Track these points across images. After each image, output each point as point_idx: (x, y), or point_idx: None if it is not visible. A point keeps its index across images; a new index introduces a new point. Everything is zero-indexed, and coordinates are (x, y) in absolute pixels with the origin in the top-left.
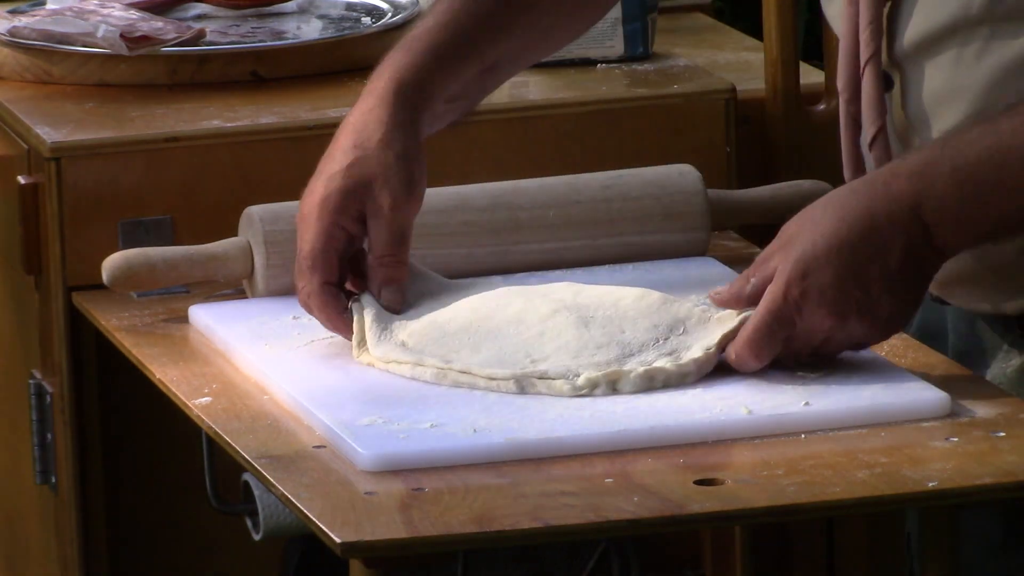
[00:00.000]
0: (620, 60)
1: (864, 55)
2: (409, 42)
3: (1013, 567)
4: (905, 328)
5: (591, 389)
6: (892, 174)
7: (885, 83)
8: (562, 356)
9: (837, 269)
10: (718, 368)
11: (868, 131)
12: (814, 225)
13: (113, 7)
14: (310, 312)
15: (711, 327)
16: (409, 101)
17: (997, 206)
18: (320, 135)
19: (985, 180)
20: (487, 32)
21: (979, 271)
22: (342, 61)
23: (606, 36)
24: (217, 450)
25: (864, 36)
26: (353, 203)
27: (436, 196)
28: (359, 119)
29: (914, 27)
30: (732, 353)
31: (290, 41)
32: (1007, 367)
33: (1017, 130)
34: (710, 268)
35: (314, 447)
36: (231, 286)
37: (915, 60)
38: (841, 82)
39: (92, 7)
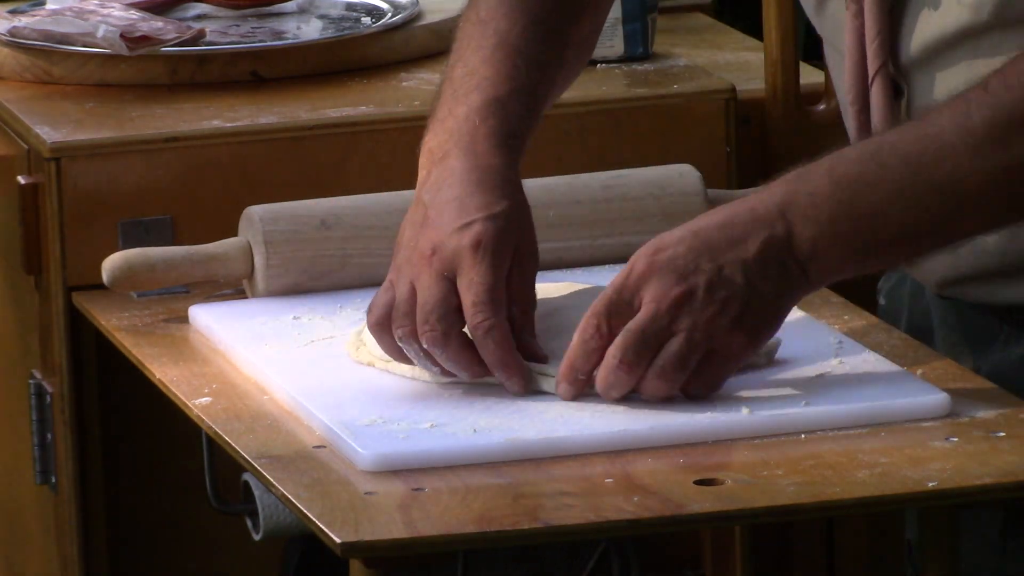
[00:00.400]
0: (620, 60)
1: (873, 66)
2: (498, 105)
3: (1013, 567)
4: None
5: (592, 389)
6: (777, 178)
7: (895, 92)
8: (562, 355)
9: (691, 244)
10: None
11: None
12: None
13: (113, 7)
14: (484, 346)
15: None
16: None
17: (872, 206)
18: (320, 135)
19: (861, 177)
20: (551, 95)
21: (1004, 268)
22: (342, 61)
23: (606, 36)
24: (217, 450)
25: (872, 48)
26: (511, 250)
27: None
28: (482, 166)
29: (921, 35)
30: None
31: (290, 41)
32: (1008, 354)
33: (902, 131)
34: None
35: (314, 447)
36: (231, 286)
37: (924, 68)
38: (851, 95)
39: (92, 7)
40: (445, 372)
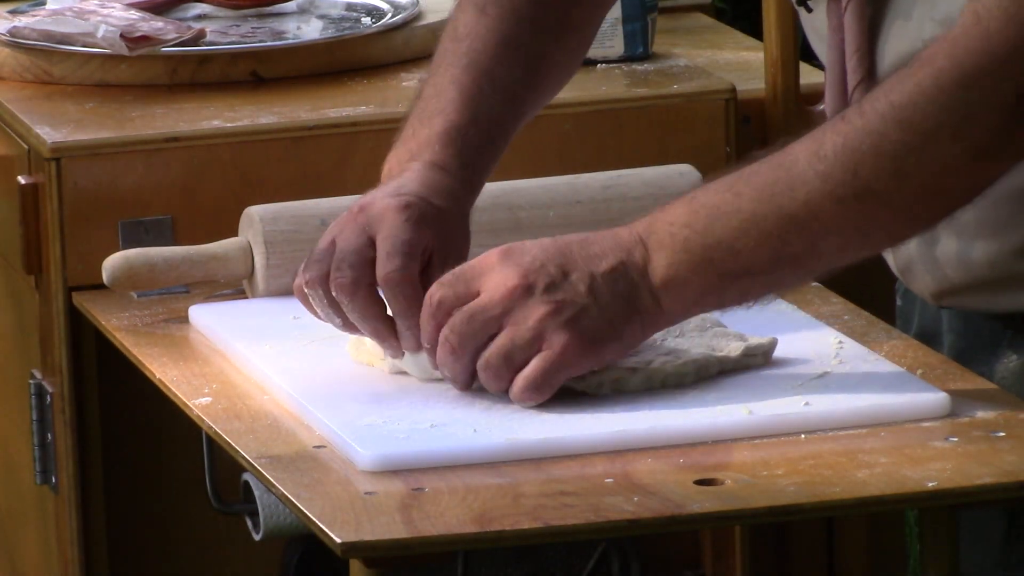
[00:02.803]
0: (620, 60)
1: (852, 80)
2: (450, 135)
3: (1015, 568)
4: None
5: (593, 388)
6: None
7: None
8: None
9: (546, 247)
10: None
11: None
12: None
13: (113, 7)
14: (393, 295)
15: (710, 333)
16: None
17: (726, 234)
18: (320, 135)
19: (716, 207)
20: (518, 119)
21: (997, 279)
22: (342, 61)
23: (606, 36)
24: (217, 450)
25: (851, 63)
26: (442, 232)
27: None
28: (423, 178)
29: (896, 49)
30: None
31: (290, 41)
32: (1010, 363)
33: (762, 160)
34: None
35: (314, 447)
36: (231, 286)
37: None
38: (831, 108)
39: (92, 7)
40: (347, 325)
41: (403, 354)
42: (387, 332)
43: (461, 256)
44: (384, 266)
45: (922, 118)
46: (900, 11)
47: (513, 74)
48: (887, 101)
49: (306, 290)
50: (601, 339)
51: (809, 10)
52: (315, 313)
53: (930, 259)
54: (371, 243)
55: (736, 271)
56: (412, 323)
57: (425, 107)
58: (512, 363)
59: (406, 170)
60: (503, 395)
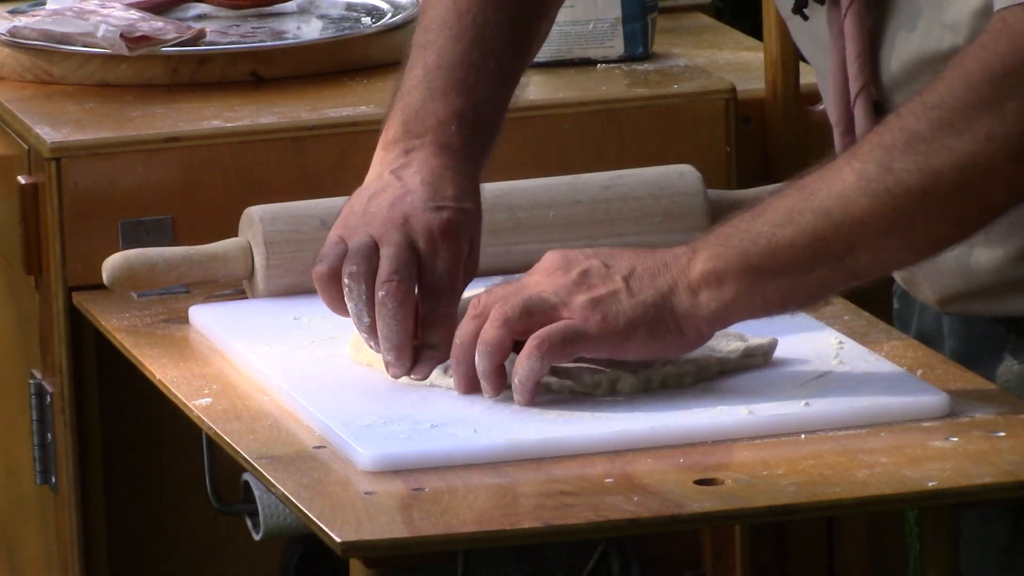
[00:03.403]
0: (620, 60)
1: (854, 87)
2: (461, 83)
3: (1019, 570)
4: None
5: (592, 389)
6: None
7: (877, 112)
8: None
9: (597, 250)
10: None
11: None
12: None
13: (113, 7)
14: (381, 309)
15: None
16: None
17: (764, 227)
18: (320, 135)
19: (762, 207)
20: (520, 67)
21: (1001, 285)
22: (342, 61)
23: (606, 36)
24: (217, 450)
25: (852, 69)
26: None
27: None
28: (451, 176)
29: (902, 55)
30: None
31: (290, 41)
32: (1013, 366)
33: (815, 169)
34: None
35: (314, 447)
36: (231, 286)
37: (906, 88)
38: (834, 116)
39: (92, 7)
40: (372, 328)
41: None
42: (406, 343)
43: (477, 249)
44: (442, 295)
45: (953, 116)
46: (903, 17)
47: (511, 55)
48: (920, 101)
49: (347, 281)
50: (626, 322)
51: (805, 18)
52: (334, 306)
53: (931, 267)
54: (417, 254)
55: (775, 268)
56: (399, 354)
57: (435, 78)
58: (530, 316)
59: (419, 149)
60: (503, 395)
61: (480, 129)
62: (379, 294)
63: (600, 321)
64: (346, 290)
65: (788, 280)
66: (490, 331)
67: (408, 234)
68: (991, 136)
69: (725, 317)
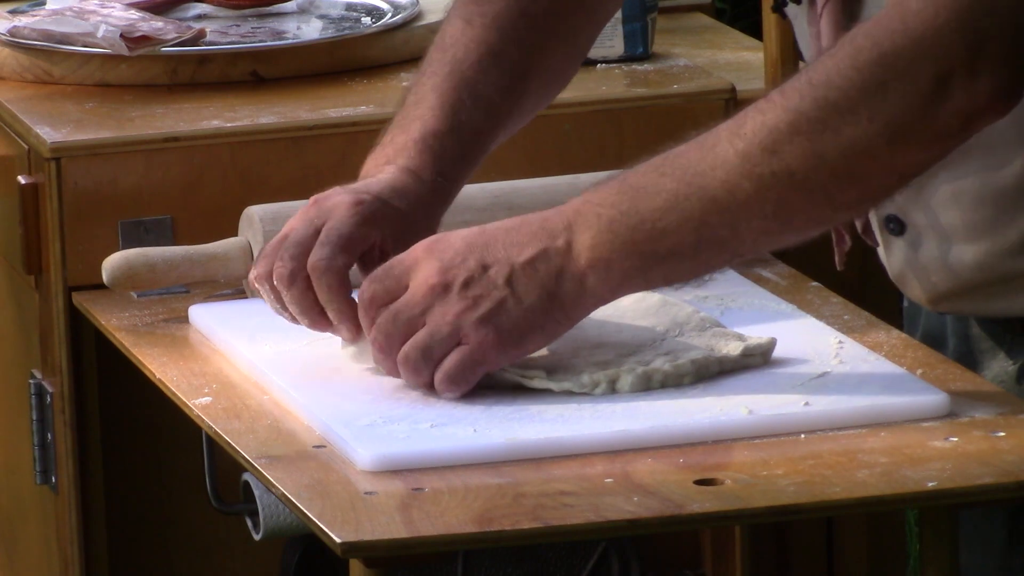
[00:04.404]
0: (620, 60)
1: None
2: (425, 143)
3: (1017, 572)
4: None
5: (591, 388)
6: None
7: None
8: (562, 355)
9: (471, 239)
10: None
11: None
12: None
13: (113, 7)
14: (320, 286)
15: (709, 333)
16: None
17: (650, 214)
18: (320, 135)
19: (642, 187)
20: (497, 130)
21: (988, 282)
22: (342, 61)
23: (606, 36)
24: (217, 450)
25: None
26: (396, 227)
27: None
28: (390, 181)
29: None
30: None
31: (290, 41)
32: (1008, 367)
33: (690, 142)
34: None
35: (314, 447)
36: (231, 286)
37: None
38: None
39: (92, 7)
40: (292, 318)
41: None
42: (324, 323)
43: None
44: (313, 254)
45: (838, 96)
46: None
47: (495, 85)
48: (806, 79)
49: (255, 285)
50: (519, 331)
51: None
52: (276, 311)
53: (917, 266)
54: (317, 235)
55: (661, 252)
56: (339, 313)
57: (406, 114)
58: (430, 358)
59: (379, 173)
60: (503, 395)
61: (442, 155)
62: (274, 281)
63: (495, 340)
64: (259, 289)
65: (673, 263)
66: (388, 363)
67: (312, 215)
68: (874, 116)
69: (611, 297)
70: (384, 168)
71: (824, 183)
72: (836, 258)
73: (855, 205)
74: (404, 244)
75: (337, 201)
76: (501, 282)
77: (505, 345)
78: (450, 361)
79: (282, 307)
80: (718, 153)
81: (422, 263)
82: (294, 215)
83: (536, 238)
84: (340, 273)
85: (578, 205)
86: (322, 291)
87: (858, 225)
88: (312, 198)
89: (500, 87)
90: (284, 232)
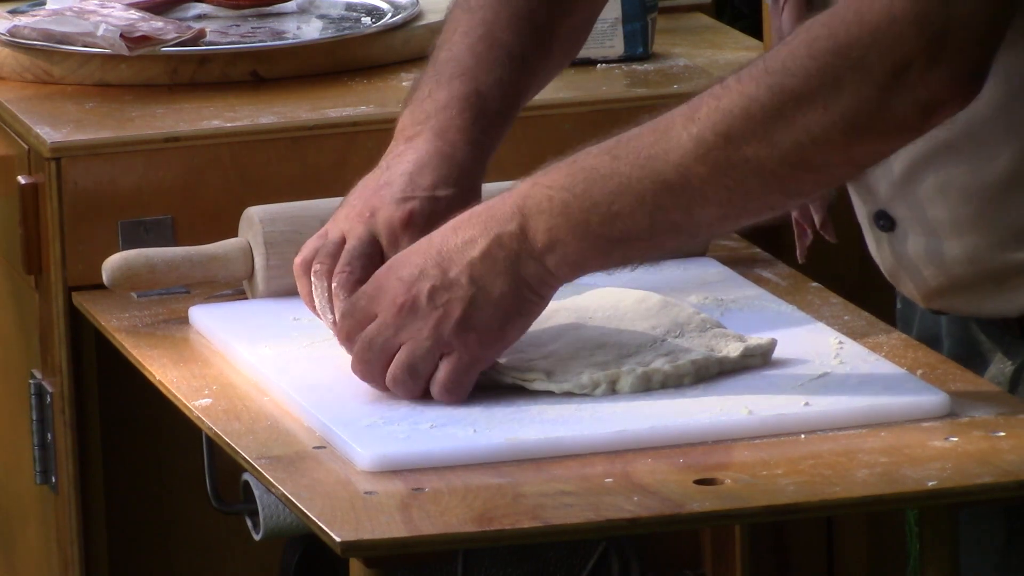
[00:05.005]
0: (620, 60)
1: None
2: (478, 98)
3: (1015, 571)
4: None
5: (591, 389)
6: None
7: None
8: (562, 356)
9: (423, 250)
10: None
11: None
12: None
13: (113, 7)
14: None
15: (709, 334)
16: (483, 156)
17: (604, 198)
18: (320, 135)
19: (595, 170)
20: (531, 89)
21: (978, 278)
22: (342, 61)
23: (606, 36)
24: (217, 450)
25: None
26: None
27: None
28: (452, 152)
29: None
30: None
31: (290, 41)
32: (1005, 368)
33: (644, 125)
34: (710, 268)
35: (314, 447)
36: (231, 287)
37: None
38: None
39: (92, 7)
40: (334, 325)
41: None
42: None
43: None
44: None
45: (793, 84)
46: None
47: (526, 46)
48: (762, 66)
49: (313, 279)
50: (497, 323)
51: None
52: (306, 298)
53: (908, 262)
54: (379, 247)
55: (616, 236)
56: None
57: (441, 72)
58: (417, 375)
59: (418, 136)
60: (503, 395)
61: (484, 112)
62: (332, 285)
63: (477, 339)
64: (312, 287)
65: (628, 245)
66: (377, 387)
67: (371, 228)
68: (829, 105)
69: (574, 276)
70: (423, 131)
71: (777, 170)
72: (798, 252)
73: (810, 191)
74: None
75: (391, 218)
76: (465, 282)
77: (488, 340)
78: (442, 373)
79: (330, 308)
80: (672, 137)
81: (384, 287)
82: (341, 214)
83: (486, 228)
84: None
85: (526, 189)
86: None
87: (816, 220)
88: (367, 206)
89: (530, 47)
90: (338, 236)
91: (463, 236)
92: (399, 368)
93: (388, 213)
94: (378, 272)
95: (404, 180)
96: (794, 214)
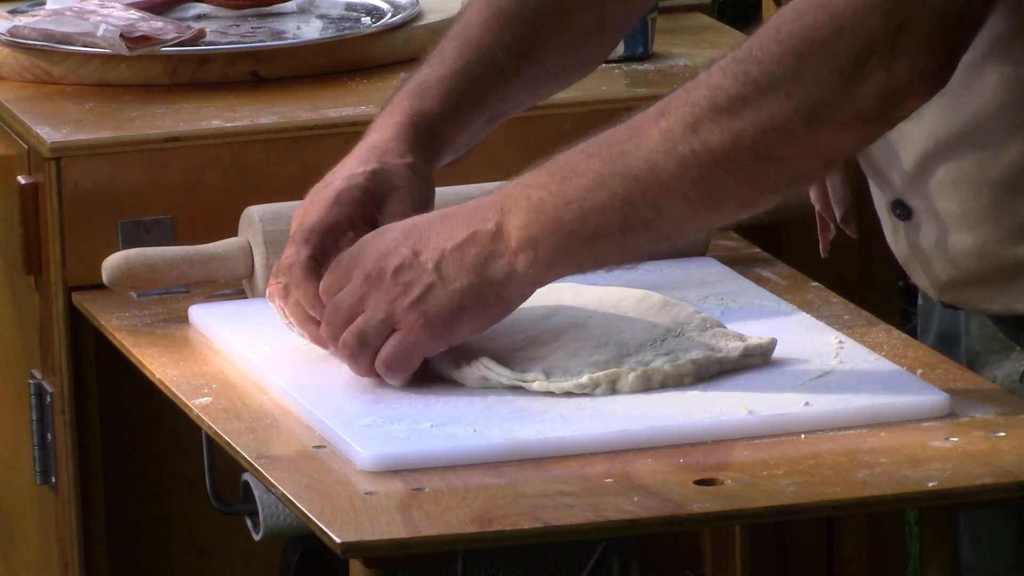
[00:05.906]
0: (620, 60)
1: None
2: (422, 88)
3: None
4: (914, 333)
5: (591, 389)
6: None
7: None
8: (561, 356)
9: (407, 228)
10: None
11: None
12: None
13: (113, 7)
14: (292, 283)
15: (710, 333)
16: (424, 149)
17: (576, 193)
18: (320, 135)
19: (571, 167)
20: (499, 84)
21: (988, 273)
22: (342, 61)
23: None
24: (217, 450)
25: None
26: (370, 205)
27: (437, 196)
28: (379, 142)
29: None
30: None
31: (290, 41)
32: (1020, 367)
33: (618, 123)
34: (710, 268)
35: (314, 447)
36: (231, 286)
37: None
38: None
39: (92, 7)
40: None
41: None
42: (317, 337)
43: (424, 206)
44: (287, 250)
45: (758, 71)
46: None
47: (501, 41)
48: (732, 56)
49: (271, 303)
50: (448, 314)
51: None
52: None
53: (921, 253)
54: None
55: (588, 233)
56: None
57: (433, 61)
58: (366, 344)
59: (374, 130)
60: (503, 395)
61: (425, 96)
62: (277, 303)
63: (423, 325)
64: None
65: (601, 243)
66: (351, 365)
67: (294, 230)
68: (792, 93)
69: (544, 278)
70: (381, 136)
71: (742, 162)
72: (820, 245)
73: (779, 187)
74: (383, 221)
75: (308, 205)
76: (431, 267)
77: (434, 329)
78: (386, 347)
79: (290, 323)
80: (643, 132)
81: (363, 253)
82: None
83: (467, 223)
84: (305, 266)
85: (510, 188)
86: (294, 288)
87: (838, 214)
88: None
89: (505, 44)
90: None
91: (445, 225)
92: (350, 334)
93: (306, 204)
94: (365, 236)
95: (327, 177)
96: (817, 208)
